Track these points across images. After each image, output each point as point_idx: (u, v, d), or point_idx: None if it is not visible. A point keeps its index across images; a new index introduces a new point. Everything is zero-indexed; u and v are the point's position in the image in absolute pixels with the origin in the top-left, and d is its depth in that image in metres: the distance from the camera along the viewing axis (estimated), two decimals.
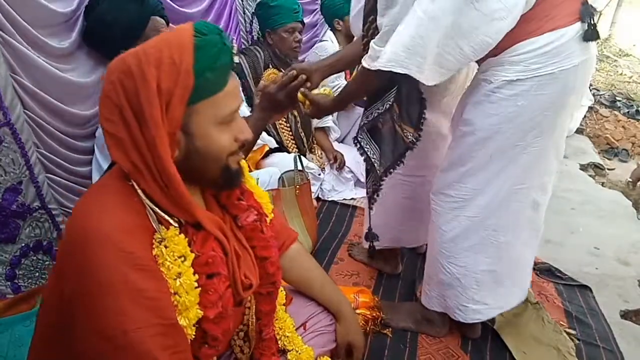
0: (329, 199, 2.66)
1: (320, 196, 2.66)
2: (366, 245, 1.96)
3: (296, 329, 1.20)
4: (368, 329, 1.70)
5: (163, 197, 0.79)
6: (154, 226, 0.80)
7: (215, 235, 0.88)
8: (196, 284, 0.82)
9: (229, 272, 0.90)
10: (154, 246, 0.79)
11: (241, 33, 2.58)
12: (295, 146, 2.60)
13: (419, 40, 1.20)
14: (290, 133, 2.57)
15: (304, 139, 2.66)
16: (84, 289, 0.74)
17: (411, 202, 1.84)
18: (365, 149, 1.60)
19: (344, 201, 2.66)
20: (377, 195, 1.69)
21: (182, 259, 0.81)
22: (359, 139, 1.62)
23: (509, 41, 1.25)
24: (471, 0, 1.17)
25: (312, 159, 2.73)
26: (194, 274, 0.82)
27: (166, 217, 0.80)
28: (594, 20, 1.24)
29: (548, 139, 1.36)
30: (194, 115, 0.80)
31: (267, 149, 2.44)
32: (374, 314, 1.74)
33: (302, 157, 2.50)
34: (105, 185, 0.83)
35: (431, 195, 1.56)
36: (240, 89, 0.88)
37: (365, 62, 1.35)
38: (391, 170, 1.59)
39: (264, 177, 2.19)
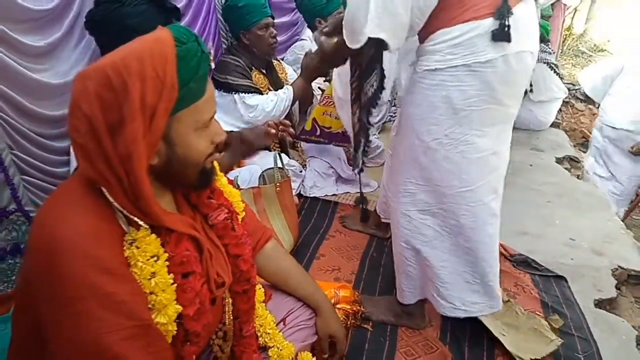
0: (311, 195, 2.66)
1: (302, 192, 2.66)
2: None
3: (276, 325, 1.21)
4: (349, 323, 1.72)
5: (131, 206, 0.79)
6: (124, 228, 0.80)
7: (189, 234, 0.89)
8: (172, 282, 0.82)
9: (203, 269, 0.91)
10: (124, 248, 0.79)
11: (220, 32, 2.56)
12: (278, 143, 2.60)
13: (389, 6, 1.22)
14: None
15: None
16: (53, 297, 0.74)
17: None
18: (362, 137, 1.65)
19: (325, 197, 2.67)
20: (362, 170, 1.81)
21: (155, 258, 0.81)
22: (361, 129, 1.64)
23: (430, 28, 1.28)
24: None
25: (294, 155, 2.73)
26: (168, 273, 0.82)
27: (135, 218, 0.80)
28: (507, 22, 1.23)
29: (479, 135, 1.36)
30: (175, 124, 0.80)
31: None
32: (355, 309, 1.76)
33: (283, 155, 2.51)
34: (69, 189, 0.82)
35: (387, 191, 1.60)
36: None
37: (348, 41, 1.33)
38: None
39: (245, 174, 2.18)
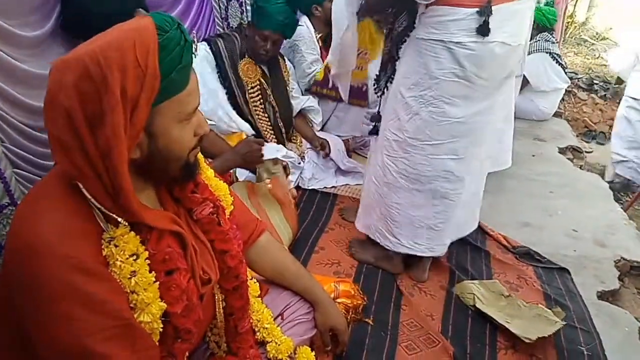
0: (310, 188, 2.63)
1: (300, 185, 2.63)
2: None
3: (274, 319, 1.19)
4: (349, 317, 1.69)
5: (110, 202, 0.76)
6: (102, 226, 0.77)
7: (172, 230, 0.86)
8: (154, 280, 0.80)
9: (188, 265, 0.88)
10: (103, 246, 0.77)
11: (216, 20, 2.52)
12: (274, 136, 2.56)
13: None
14: (269, 123, 2.52)
15: (283, 128, 2.62)
16: (32, 299, 0.72)
17: None
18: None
19: (324, 189, 2.63)
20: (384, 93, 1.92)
21: (135, 257, 0.78)
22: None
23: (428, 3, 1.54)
24: None
25: (292, 147, 2.70)
26: (150, 271, 0.80)
27: (114, 216, 0.77)
28: (488, 20, 1.48)
29: (448, 103, 1.61)
30: (157, 116, 0.77)
31: (244, 137, 2.40)
32: (355, 303, 1.74)
33: (281, 146, 2.46)
34: (46, 187, 0.79)
35: None
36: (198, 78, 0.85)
37: None
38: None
39: None
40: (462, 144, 1.70)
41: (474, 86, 1.59)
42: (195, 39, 0.81)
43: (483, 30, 1.48)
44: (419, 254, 1.90)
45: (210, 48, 2.22)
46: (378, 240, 1.95)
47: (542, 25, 4.12)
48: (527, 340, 1.61)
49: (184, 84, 0.79)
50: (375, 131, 1.93)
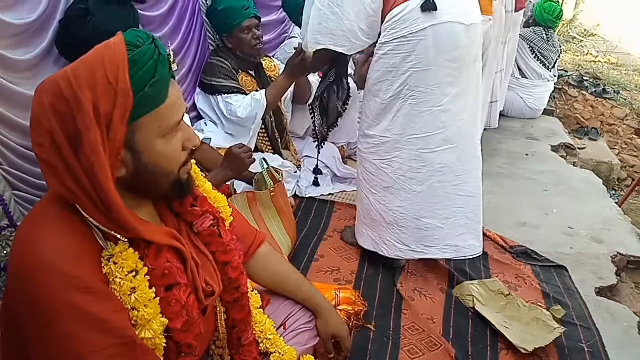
0: (307, 196, 2.64)
1: (297, 193, 2.64)
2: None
3: (276, 330, 1.20)
4: (351, 324, 1.71)
5: (105, 220, 0.77)
6: (101, 244, 0.78)
7: (170, 245, 0.86)
8: (154, 296, 0.81)
9: (189, 280, 0.89)
10: (103, 264, 0.77)
11: (207, 34, 2.53)
12: (270, 146, 2.57)
13: (324, 23, 1.69)
14: (265, 134, 2.54)
15: (279, 139, 2.64)
16: (34, 319, 0.73)
17: None
18: (315, 116, 2.17)
19: (321, 197, 2.65)
20: (322, 146, 2.31)
21: (134, 273, 0.79)
22: (313, 107, 2.16)
23: (384, 13, 1.68)
24: None
25: (288, 156, 2.71)
26: (150, 287, 0.80)
27: (113, 233, 0.78)
28: None
29: (425, 92, 1.69)
30: (137, 131, 0.77)
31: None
32: (356, 309, 1.75)
33: (277, 156, 2.49)
34: (43, 210, 0.80)
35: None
36: (182, 96, 0.86)
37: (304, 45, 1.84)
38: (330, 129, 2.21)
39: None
40: (451, 134, 1.75)
41: (443, 69, 1.66)
42: (171, 53, 0.82)
43: (428, 6, 1.58)
44: (431, 257, 1.93)
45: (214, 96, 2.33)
46: (386, 254, 1.94)
47: (539, 21, 4.13)
48: (523, 351, 1.61)
49: (162, 98, 0.78)
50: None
